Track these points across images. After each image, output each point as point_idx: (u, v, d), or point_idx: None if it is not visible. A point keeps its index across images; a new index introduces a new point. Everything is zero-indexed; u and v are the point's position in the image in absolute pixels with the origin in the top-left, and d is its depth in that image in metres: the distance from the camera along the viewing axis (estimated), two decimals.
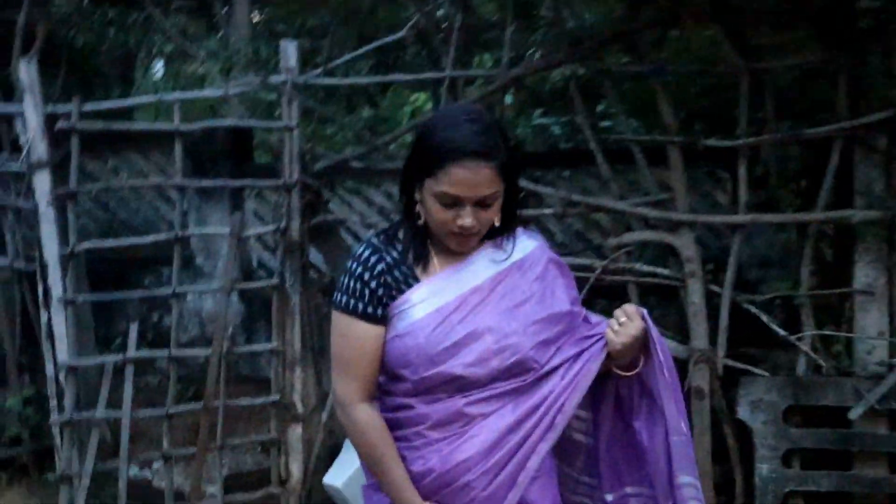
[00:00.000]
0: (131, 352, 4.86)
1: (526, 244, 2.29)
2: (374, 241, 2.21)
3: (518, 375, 2.19)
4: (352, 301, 2.16)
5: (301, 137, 5.04)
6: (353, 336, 2.16)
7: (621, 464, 2.37)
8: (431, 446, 2.18)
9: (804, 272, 4.62)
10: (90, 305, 5.32)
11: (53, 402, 4.85)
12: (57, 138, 4.82)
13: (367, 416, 2.17)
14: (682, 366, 4.71)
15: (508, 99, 6.22)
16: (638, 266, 4.89)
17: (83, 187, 4.97)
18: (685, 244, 4.73)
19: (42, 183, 4.79)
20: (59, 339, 4.83)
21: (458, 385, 2.16)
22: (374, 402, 2.23)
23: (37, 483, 5.38)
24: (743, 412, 4.55)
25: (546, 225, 5.43)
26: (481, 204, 2.09)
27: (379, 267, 2.16)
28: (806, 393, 4.50)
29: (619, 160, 5.00)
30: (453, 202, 2.07)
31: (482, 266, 2.22)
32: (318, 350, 5.12)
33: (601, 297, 4.92)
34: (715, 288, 4.75)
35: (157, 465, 5.08)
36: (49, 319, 4.85)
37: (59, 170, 4.83)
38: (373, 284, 2.15)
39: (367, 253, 2.18)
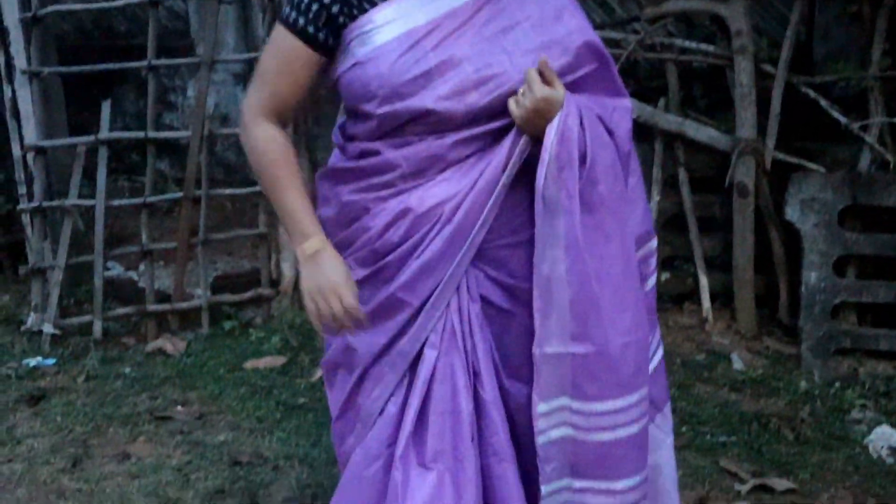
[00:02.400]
0: (104, 132, 4.86)
1: None
2: None
3: (503, 114, 2.04)
4: (297, 16, 2.03)
5: None
6: (283, 50, 2.07)
7: None
8: (403, 194, 2.08)
9: (875, 51, 4.47)
10: (60, 83, 5.27)
11: (22, 190, 4.91)
12: None
13: (267, 133, 2.09)
14: (725, 158, 4.69)
15: None
16: (679, 42, 4.76)
17: None
18: (735, 14, 4.57)
19: None
20: (24, 117, 4.84)
21: (430, 123, 2.03)
22: (282, 128, 2.13)
23: (10, 279, 5.53)
24: (792, 213, 4.49)
25: None
26: None
27: None
28: (867, 192, 4.42)
29: None
30: None
31: None
32: (311, 132, 5.06)
33: (634, 78, 4.82)
34: (768, 68, 4.62)
35: (142, 266, 5.14)
36: (13, 95, 4.85)
37: None
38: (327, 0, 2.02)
39: None
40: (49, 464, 3.68)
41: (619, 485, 2.12)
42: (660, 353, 2.33)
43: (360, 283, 2.12)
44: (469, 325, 2.11)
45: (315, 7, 2.01)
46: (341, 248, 2.14)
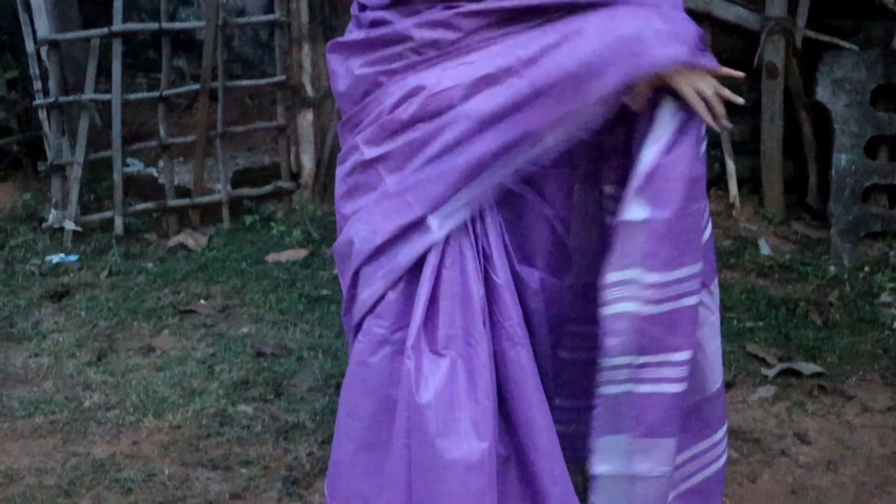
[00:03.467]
0: (117, 24, 4.79)
1: None
2: None
3: None
4: None
5: None
6: None
7: None
8: (419, 70, 2.00)
9: None
10: None
11: (38, 85, 4.87)
12: None
13: None
14: (753, 38, 4.61)
15: None
16: None
17: None
18: None
19: None
20: (36, 10, 4.77)
21: None
22: None
23: (30, 177, 5.53)
24: (823, 93, 4.46)
25: None
26: None
27: None
28: None
29: None
30: None
31: None
32: (328, 24, 5.01)
33: None
34: None
35: (162, 162, 5.16)
36: None
37: None
38: None
39: None
40: (75, 357, 3.72)
41: (676, 356, 2.06)
42: (709, 228, 2.27)
43: (366, 166, 2.07)
44: (478, 206, 2.05)
45: None
46: (352, 126, 2.08)
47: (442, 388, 1.99)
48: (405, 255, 2.04)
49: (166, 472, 2.94)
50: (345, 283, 2.20)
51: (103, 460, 3.01)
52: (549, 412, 2.11)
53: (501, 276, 2.06)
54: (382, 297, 2.07)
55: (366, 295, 2.08)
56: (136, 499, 2.80)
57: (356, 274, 2.11)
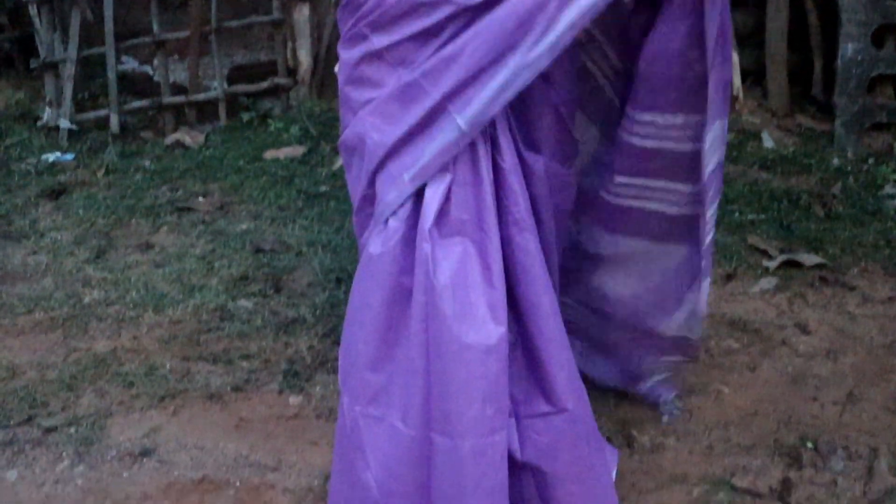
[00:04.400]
0: None
1: None
2: None
3: None
4: None
5: None
6: None
7: None
8: None
9: None
10: None
11: None
12: None
13: None
14: None
15: None
16: None
17: None
18: None
19: None
20: None
21: None
22: None
23: (23, 75, 5.50)
24: None
25: None
26: None
27: None
28: None
29: None
30: None
31: None
32: None
33: None
34: None
35: (156, 59, 5.12)
36: None
37: None
38: None
39: None
40: (73, 255, 3.74)
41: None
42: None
43: (376, 58, 2.00)
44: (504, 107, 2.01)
45: None
46: (353, 8, 2.02)
47: (457, 272, 1.98)
48: (431, 151, 1.98)
49: (167, 366, 2.97)
50: (357, 180, 2.15)
51: (104, 355, 3.03)
52: (555, 299, 2.11)
53: (508, 161, 2.03)
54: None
55: (392, 197, 2.03)
56: (138, 392, 2.83)
57: (375, 173, 2.07)
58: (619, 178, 2.29)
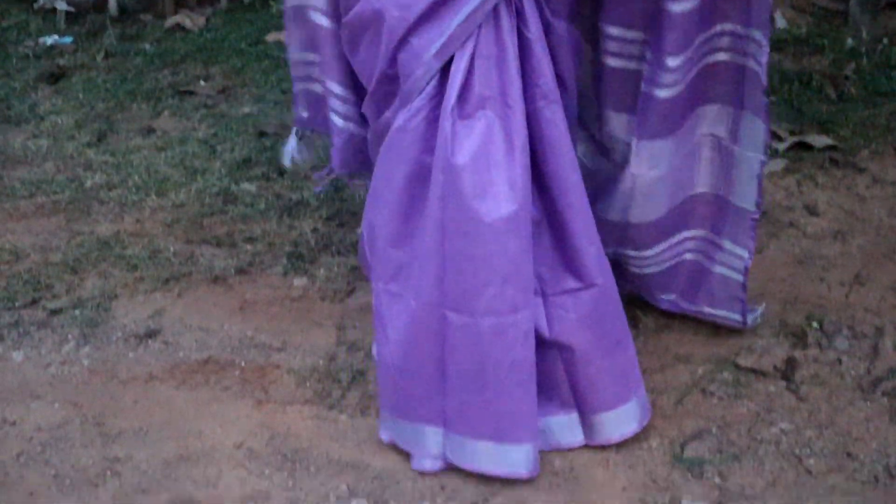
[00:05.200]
0: None
1: None
2: None
3: None
4: None
5: None
6: None
7: None
8: None
9: None
10: None
11: None
12: None
13: None
14: None
15: None
16: None
17: None
18: None
19: None
20: None
21: None
22: None
23: None
24: None
25: None
26: None
27: None
28: None
29: None
30: None
31: None
32: None
33: None
34: None
35: None
36: None
37: None
38: None
39: None
40: (74, 139, 3.75)
41: None
42: None
43: None
44: None
45: None
46: None
47: (478, 149, 1.98)
48: (457, 21, 1.96)
49: (171, 249, 2.99)
50: (373, 59, 2.12)
51: (107, 238, 3.06)
52: (580, 173, 2.10)
53: (533, 30, 2.01)
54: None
55: (420, 73, 2.01)
56: (142, 275, 2.86)
57: (396, 50, 2.03)
58: None
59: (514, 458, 2.05)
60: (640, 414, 2.20)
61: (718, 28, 2.16)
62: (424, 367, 2.07)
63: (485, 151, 1.96)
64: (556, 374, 2.15)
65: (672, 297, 2.48)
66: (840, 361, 2.44)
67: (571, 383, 2.16)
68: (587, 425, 2.18)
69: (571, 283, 2.14)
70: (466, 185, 1.95)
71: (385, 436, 2.14)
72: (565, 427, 2.19)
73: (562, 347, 2.13)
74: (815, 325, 2.59)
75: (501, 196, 1.97)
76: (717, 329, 2.57)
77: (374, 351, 2.30)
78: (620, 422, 2.19)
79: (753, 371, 2.41)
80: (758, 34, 2.14)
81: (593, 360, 2.15)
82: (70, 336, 2.60)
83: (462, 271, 1.99)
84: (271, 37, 4.59)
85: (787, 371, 2.41)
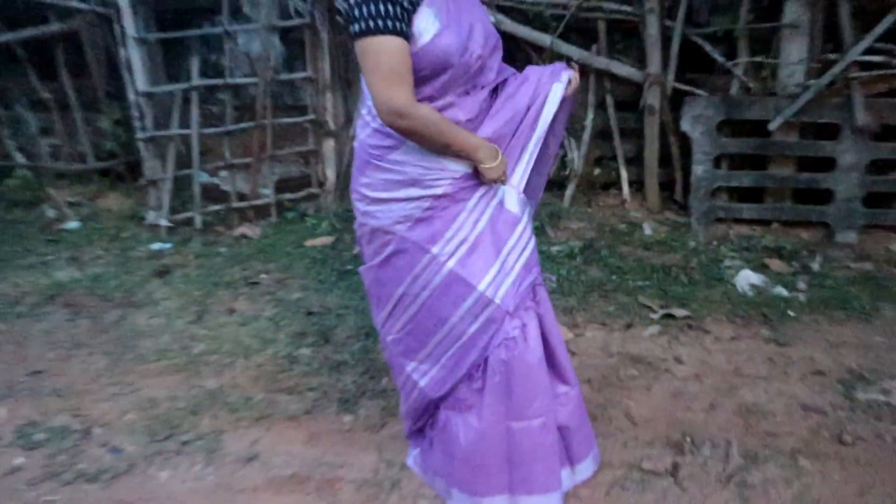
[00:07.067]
0: (195, 80, 4.76)
1: None
2: None
3: (496, 51, 2.06)
4: (391, 22, 1.80)
5: None
6: (394, 51, 1.81)
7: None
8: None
9: (743, 10, 4.38)
10: (160, 44, 5.11)
11: (137, 123, 4.83)
12: None
13: (427, 109, 1.90)
14: (638, 87, 4.63)
15: None
16: (606, 5, 4.61)
17: None
18: None
19: None
20: (136, 71, 4.76)
21: (476, 70, 1.98)
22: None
23: (131, 188, 5.40)
24: (685, 125, 4.46)
25: None
26: None
27: None
28: (736, 109, 4.40)
29: None
30: None
31: None
32: (344, 78, 4.95)
33: (575, 32, 4.69)
34: (669, 23, 4.52)
35: (223, 173, 5.04)
36: (126, 55, 4.75)
37: None
38: (404, 1, 1.82)
39: None
40: (180, 318, 3.69)
41: None
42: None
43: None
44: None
45: (399, 10, 1.81)
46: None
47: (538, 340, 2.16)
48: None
49: (258, 397, 2.98)
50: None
51: (214, 390, 3.04)
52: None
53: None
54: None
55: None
56: (241, 415, 2.85)
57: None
58: None
59: (555, 499, 2.20)
60: (595, 463, 2.40)
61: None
62: (494, 459, 2.15)
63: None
64: (560, 443, 2.26)
65: None
66: (706, 464, 2.47)
67: (566, 447, 2.30)
68: (573, 471, 2.33)
69: (561, 387, 2.27)
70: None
71: None
72: (567, 476, 2.32)
73: (563, 428, 2.26)
74: (688, 439, 2.59)
75: (536, 345, 2.13)
76: (626, 443, 2.58)
77: (409, 461, 2.41)
78: (587, 467, 2.37)
79: (652, 472, 2.44)
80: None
81: (578, 434, 2.29)
82: (197, 460, 2.60)
83: (520, 395, 2.11)
84: (308, 243, 4.54)
85: (674, 471, 2.44)
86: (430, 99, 1.96)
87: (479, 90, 2.02)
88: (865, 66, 4.18)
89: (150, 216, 4.86)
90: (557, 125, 2.22)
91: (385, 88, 1.83)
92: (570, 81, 2.18)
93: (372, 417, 2.82)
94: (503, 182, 2.06)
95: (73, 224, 4.98)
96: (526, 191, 2.16)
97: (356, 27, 1.80)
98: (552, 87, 2.13)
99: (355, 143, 2.11)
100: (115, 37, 4.80)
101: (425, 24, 1.86)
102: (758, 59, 4.39)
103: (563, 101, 2.17)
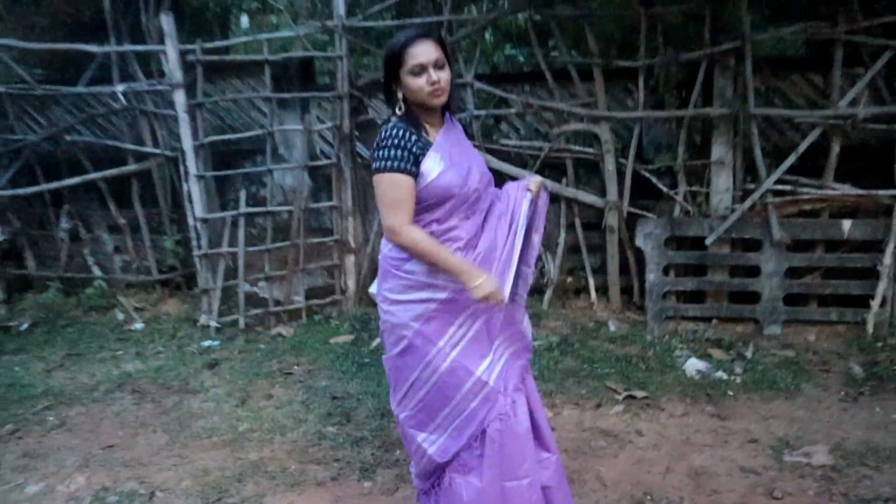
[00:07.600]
0: (242, 208, 4.95)
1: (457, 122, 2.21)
2: (401, 124, 2.05)
3: (487, 186, 2.18)
4: (403, 164, 1.98)
5: (348, 63, 4.96)
6: (402, 186, 1.98)
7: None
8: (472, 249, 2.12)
9: (680, 150, 4.52)
10: (214, 180, 5.34)
11: (194, 243, 5.00)
12: (186, 67, 4.81)
13: (417, 231, 2.01)
14: (600, 212, 4.79)
15: (488, 36, 6.05)
16: (573, 147, 4.81)
17: (205, 100, 4.95)
18: (603, 132, 4.67)
19: (179, 98, 4.82)
20: (195, 201, 4.95)
21: (473, 200, 2.09)
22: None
23: (186, 296, 5.52)
24: (639, 241, 4.56)
25: (511, 121, 5.42)
26: (437, 66, 2.01)
27: (413, 138, 2.03)
28: (679, 228, 4.50)
29: (561, 77, 4.75)
30: (420, 69, 1.99)
31: (452, 132, 2.14)
32: (363, 207, 5.14)
33: (549, 168, 4.89)
34: (622, 161, 4.71)
35: (262, 283, 5.13)
36: (188, 189, 4.98)
37: (188, 89, 4.85)
38: (414, 149, 2.00)
39: (401, 131, 2.03)
40: (227, 402, 3.72)
41: None
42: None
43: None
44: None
45: (408, 154, 1.99)
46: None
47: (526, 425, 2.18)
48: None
49: (293, 467, 3.02)
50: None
51: (256, 461, 3.08)
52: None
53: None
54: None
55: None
56: (278, 482, 2.89)
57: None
58: None
59: None
60: None
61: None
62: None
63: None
64: (543, 501, 2.23)
65: None
66: None
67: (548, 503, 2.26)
68: None
69: (544, 454, 2.25)
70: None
71: None
72: None
73: (545, 489, 2.24)
74: (648, 497, 2.62)
75: (525, 418, 2.16)
76: (597, 501, 2.61)
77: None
78: None
79: None
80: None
81: (558, 494, 2.26)
82: None
83: (512, 459, 2.12)
84: (333, 340, 4.53)
85: None
86: (438, 221, 2.05)
87: (477, 214, 2.11)
88: (778, 193, 4.39)
89: (202, 319, 4.94)
90: (537, 219, 2.22)
91: (385, 212, 1.99)
92: (534, 182, 2.19)
93: (388, 483, 2.85)
94: (496, 302, 2.01)
95: (138, 325, 5.07)
96: (517, 281, 2.17)
97: (374, 165, 2.00)
98: (523, 199, 2.17)
99: (380, 256, 2.19)
100: (179, 174, 5.05)
101: (432, 165, 2.01)
102: (694, 188, 4.59)
103: (534, 201, 2.19)
